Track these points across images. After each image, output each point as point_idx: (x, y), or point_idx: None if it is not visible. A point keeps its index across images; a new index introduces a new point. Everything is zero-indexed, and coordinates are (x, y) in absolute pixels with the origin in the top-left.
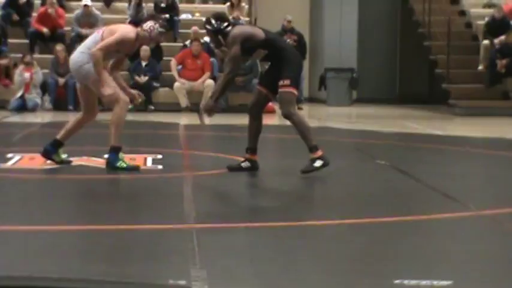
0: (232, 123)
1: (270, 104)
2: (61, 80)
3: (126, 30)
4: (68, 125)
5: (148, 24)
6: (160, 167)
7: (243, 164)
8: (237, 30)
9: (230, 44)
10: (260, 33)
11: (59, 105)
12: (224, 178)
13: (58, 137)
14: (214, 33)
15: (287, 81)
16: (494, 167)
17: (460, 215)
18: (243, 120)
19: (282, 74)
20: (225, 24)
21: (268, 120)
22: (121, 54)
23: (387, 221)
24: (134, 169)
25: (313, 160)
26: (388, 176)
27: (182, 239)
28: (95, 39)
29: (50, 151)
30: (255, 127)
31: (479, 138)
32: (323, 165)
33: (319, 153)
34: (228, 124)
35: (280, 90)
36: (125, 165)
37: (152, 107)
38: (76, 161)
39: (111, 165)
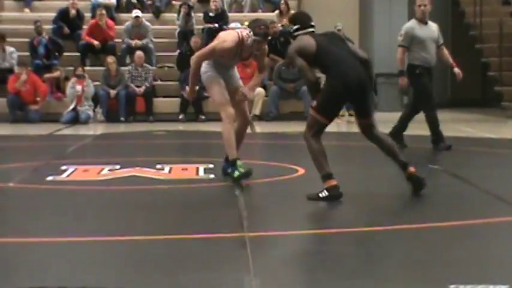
0: (283, 131)
1: None
2: (112, 92)
3: (223, 38)
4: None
5: (245, 32)
6: (212, 176)
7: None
8: (293, 43)
9: (288, 57)
10: (311, 46)
11: (110, 116)
12: (275, 186)
13: (230, 158)
14: (280, 34)
15: (313, 104)
16: None
17: None
18: (294, 127)
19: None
20: (295, 27)
21: None
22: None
23: (441, 226)
24: (247, 175)
25: (321, 190)
26: (441, 180)
27: (235, 247)
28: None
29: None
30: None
31: None
32: (328, 198)
33: (331, 183)
34: (279, 132)
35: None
36: (237, 174)
37: (203, 117)
38: (129, 172)
39: (230, 176)
